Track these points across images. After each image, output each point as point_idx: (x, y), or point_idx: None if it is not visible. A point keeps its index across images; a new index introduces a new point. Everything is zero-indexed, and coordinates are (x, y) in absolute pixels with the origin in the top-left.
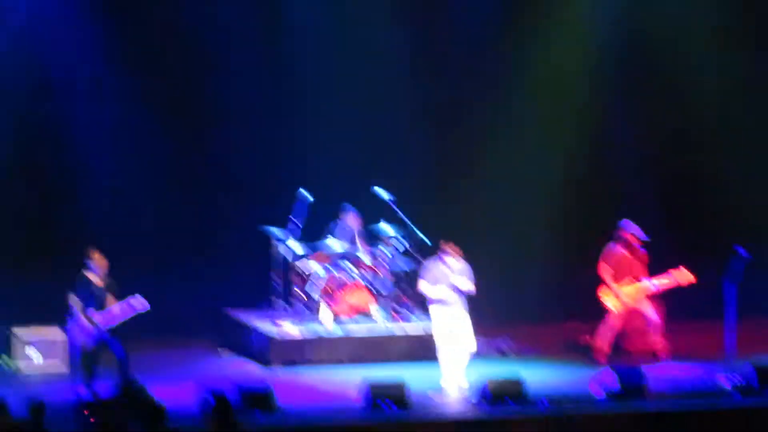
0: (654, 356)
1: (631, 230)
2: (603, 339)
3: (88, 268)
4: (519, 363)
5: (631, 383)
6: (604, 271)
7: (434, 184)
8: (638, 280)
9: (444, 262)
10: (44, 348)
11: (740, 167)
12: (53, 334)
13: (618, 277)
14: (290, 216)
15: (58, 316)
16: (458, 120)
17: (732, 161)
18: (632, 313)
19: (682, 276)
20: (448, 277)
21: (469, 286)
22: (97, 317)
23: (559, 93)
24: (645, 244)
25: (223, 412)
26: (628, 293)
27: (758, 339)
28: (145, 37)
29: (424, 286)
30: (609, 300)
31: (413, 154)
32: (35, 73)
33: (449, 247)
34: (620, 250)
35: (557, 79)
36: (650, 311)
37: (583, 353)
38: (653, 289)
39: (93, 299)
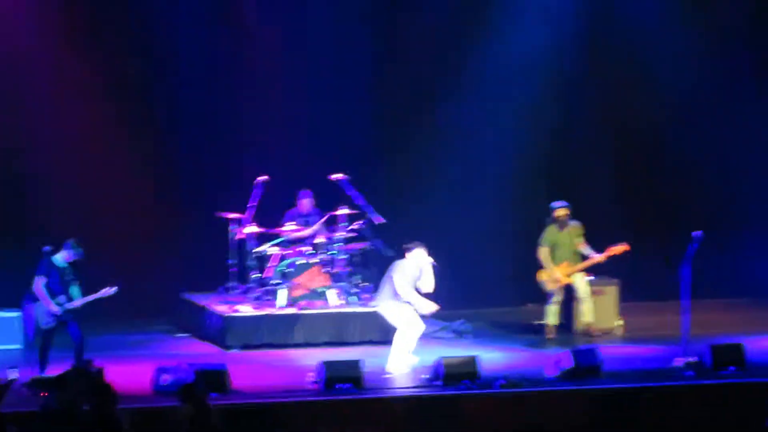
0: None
1: (557, 206)
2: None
3: (55, 253)
4: (476, 344)
5: (586, 363)
6: (542, 254)
7: (394, 171)
8: (577, 256)
9: (414, 262)
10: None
11: (701, 152)
12: (11, 314)
13: (557, 257)
14: (248, 201)
15: (19, 298)
16: (416, 108)
17: (694, 146)
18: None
19: (618, 249)
20: (416, 278)
21: (431, 286)
22: (62, 300)
23: (518, 83)
24: (574, 216)
25: (194, 397)
26: (565, 272)
27: (714, 320)
28: (102, 23)
29: (401, 284)
30: (547, 281)
31: (372, 143)
32: None
33: (417, 247)
34: (553, 230)
35: (513, 71)
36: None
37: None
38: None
39: (60, 283)
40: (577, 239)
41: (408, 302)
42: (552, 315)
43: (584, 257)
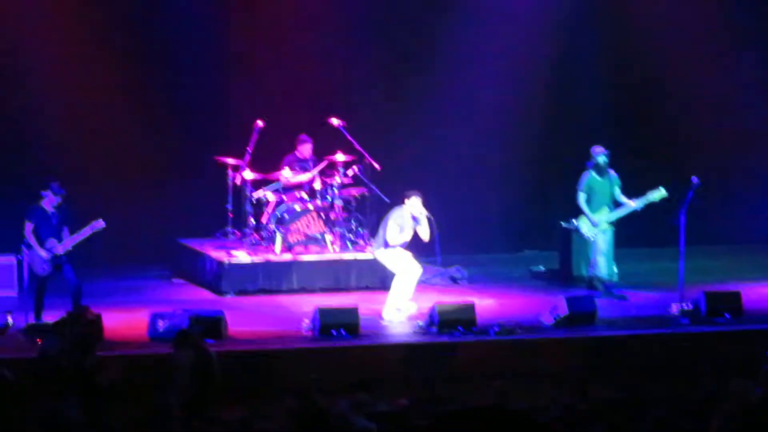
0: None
1: (599, 152)
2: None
3: (43, 197)
4: (471, 291)
5: (581, 310)
6: (580, 199)
7: (392, 119)
8: (612, 204)
9: (410, 210)
10: None
11: (700, 99)
12: (6, 261)
13: (594, 204)
14: (246, 146)
15: (13, 244)
16: (413, 52)
17: (694, 92)
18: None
19: (658, 193)
20: (413, 226)
21: (427, 235)
22: (52, 244)
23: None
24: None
25: (192, 343)
26: (603, 219)
27: (712, 267)
28: None
29: (393, 234)
30: (585, 226)
31: (370, 91)
32: None
33: (415, 196)
34: (593, 176)
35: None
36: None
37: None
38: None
39: (48, 228)
40: (615, 187)
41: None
42: (603, 267)
43: (619, 205)
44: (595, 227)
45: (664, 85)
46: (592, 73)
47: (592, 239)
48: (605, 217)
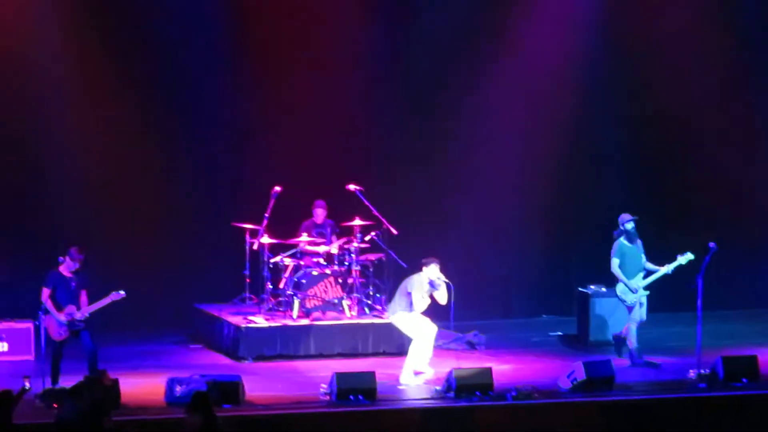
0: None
1: (628, 219)
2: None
3: (61, 263)
4: (489, 356)
5: (598, 375)
6: (615, 266)
7: (409, 183)
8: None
9: (428, 276)
10: (13, 340)
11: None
12: (23, 326)
13: (626, 271)
14: (263, 212)
15: (30, 310)
16: (433, 119)
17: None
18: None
19: (687, 257)
20: (430, 291)
21: (445, 299)
22: (71, 310)
23: (536, 88)
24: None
25: (205, 408)
26: (639, 285)
27: (729, 331)
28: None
29: (417, 301)
30: (625, 295)
31: (389, 155)
32: None
33: (434, 263)
34: (624, 243)
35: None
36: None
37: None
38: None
39: (67, 292)
40: (642, 254)
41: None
42: (634, 337)
43: (648, 271)
44: (634, 294)
45: (688, 141)
46: (615, 133)
47: (631, 305)
48: (641, 283)
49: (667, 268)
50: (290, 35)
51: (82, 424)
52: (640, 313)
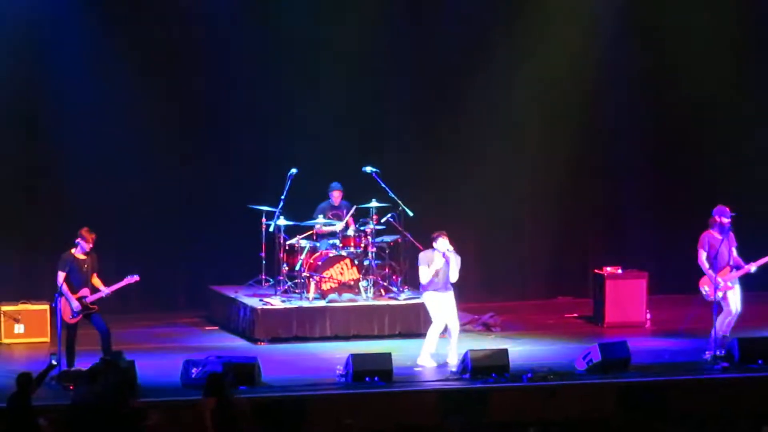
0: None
1: (720, 214)
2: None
3: (76, 245)
4: (505, 338)
5: (614, 356)
6: (701, 258)
7: (425, 164)
8: (734, 264)
9: (438, 251)
10: (30, 322)
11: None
12: (40, 308)
13: (716, 264)
14: (280, 194)
15: (46, 292)
16: (451, 102)
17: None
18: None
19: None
20: (442, 266)
21: (456, 275)
22: (84, 293)
23: (554, 80)
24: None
25: (220, 390)
26: (726, 278)
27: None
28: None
29: (424, 273)
30: (708, 288)
31: (404, 137)
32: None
33: (441, 237)
34: (713, 235)
35: (551, 65)
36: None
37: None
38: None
39: (80, 275)
40: (733, 248)
41: (435, 286)
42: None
43: (733, 266)
44: (718, 287)
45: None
46: (629, 117)
47: (718, 299)
48: (728, 277)
49: (752, 268)
50: (310, 21)
51: (99, 407)
52: (737, 303)
